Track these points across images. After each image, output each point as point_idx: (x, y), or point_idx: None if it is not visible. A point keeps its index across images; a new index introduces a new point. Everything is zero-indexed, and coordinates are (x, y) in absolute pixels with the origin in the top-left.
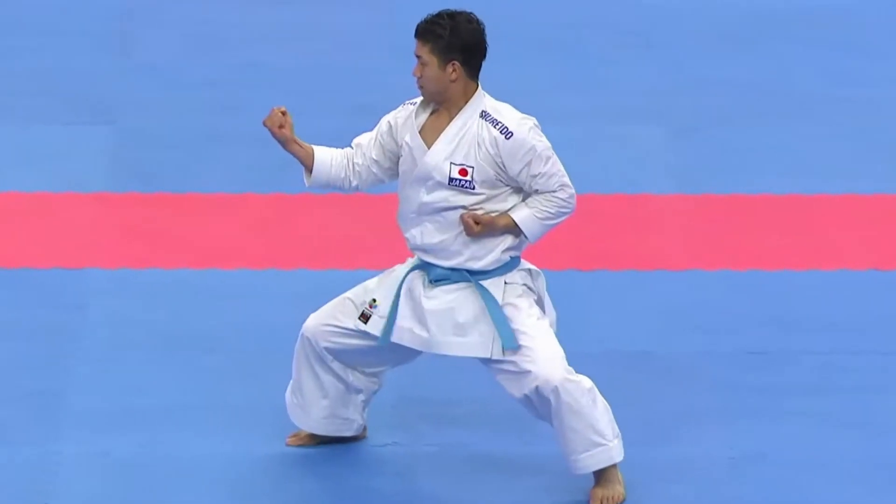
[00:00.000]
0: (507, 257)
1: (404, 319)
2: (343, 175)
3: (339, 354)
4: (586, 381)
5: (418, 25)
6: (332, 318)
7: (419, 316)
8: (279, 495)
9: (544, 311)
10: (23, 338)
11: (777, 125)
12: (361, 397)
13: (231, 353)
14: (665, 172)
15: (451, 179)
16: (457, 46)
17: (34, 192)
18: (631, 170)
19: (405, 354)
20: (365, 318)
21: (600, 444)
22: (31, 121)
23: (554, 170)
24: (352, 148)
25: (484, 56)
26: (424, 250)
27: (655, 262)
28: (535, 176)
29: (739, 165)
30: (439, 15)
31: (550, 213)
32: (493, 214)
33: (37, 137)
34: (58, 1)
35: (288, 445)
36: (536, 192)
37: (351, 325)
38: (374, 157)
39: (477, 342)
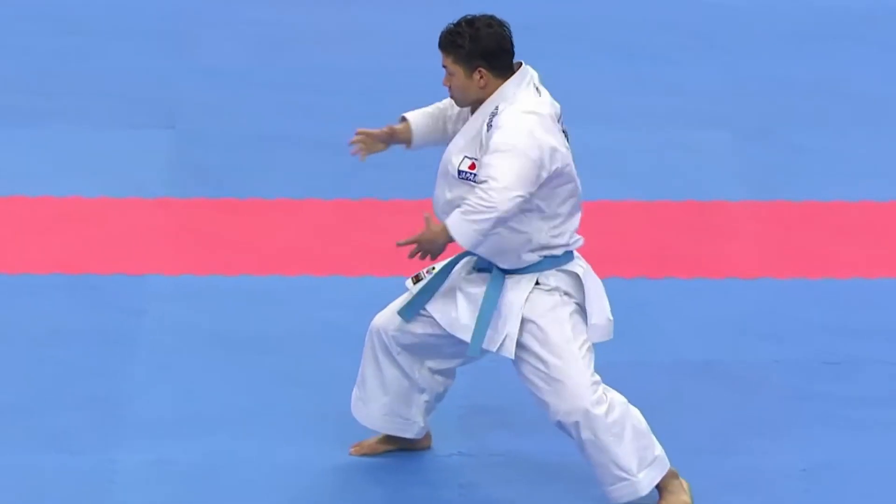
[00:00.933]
0: (536, 257)
1: (444, 296)
2: (439, 135)
3: (405, 343)
4: (614, 411)
5: (440, 37)
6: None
7: (455, 296)
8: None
9: (586, 320)
10: (83, 344)
11: (849, 130)
12: (425, 397)
13: (294, 360)
14: (735, 178)
15: (459, 172)
16: (479, 53)
17: (95, 196)
18: (701, 175)
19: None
20: (417, 279)
21: (623, 479)
22: (92, 124)
23: (496, 163)
24: (440, 103)
25: (511, 54)
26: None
27: (726, 269)
28: (483, 162)
29: (811, 171)
30: (458, 24)
31: (471, 206)
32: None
33: (98, 141)
34: (119, 2)
35: (351, 455)
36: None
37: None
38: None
39: (489, 335)
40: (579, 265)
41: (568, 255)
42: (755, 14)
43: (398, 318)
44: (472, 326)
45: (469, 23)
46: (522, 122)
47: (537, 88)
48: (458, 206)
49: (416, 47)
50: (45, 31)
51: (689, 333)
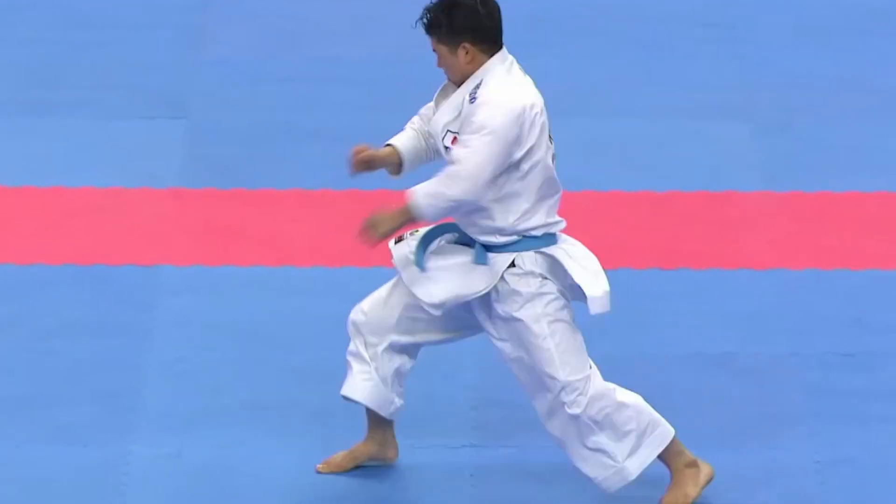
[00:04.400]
0: (511, 238)
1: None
2: (424, 155)
3: (378, 311)
4: (579, 405)
5: (420, 19)
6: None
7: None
8: (354, 498)
9: (570, 302)
10: (95, 336)
11: (865, 121)
12: (393, 376)
13: (307, 352)
14: (750, 169)
15: (446, 148)
16: (460, 29)
17: (108, 187)
18: (716, 167)
19: (447, 321)
20: (400, 240)
21: (611, 467)
22: (105, 115)
23: (472, 145)
24: (417, 117)
25: (497, 25)
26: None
27: (740, 261)
28: (460, 139)
29: (826, 162)
30: (435, 4)
31: (435, 189)
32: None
33: (111, 132)
34: None
35: (318, 471)
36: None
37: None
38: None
39: (465, 283)
40: (560, 248)
41: (548, 238)
42: (773, 6)
43: (371, 298)
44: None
45: (444, 1)
46: (505, 98)
47: (523, 73)
48: None
49: (426, 38)
50: (59, 21)
51: (703, 325)
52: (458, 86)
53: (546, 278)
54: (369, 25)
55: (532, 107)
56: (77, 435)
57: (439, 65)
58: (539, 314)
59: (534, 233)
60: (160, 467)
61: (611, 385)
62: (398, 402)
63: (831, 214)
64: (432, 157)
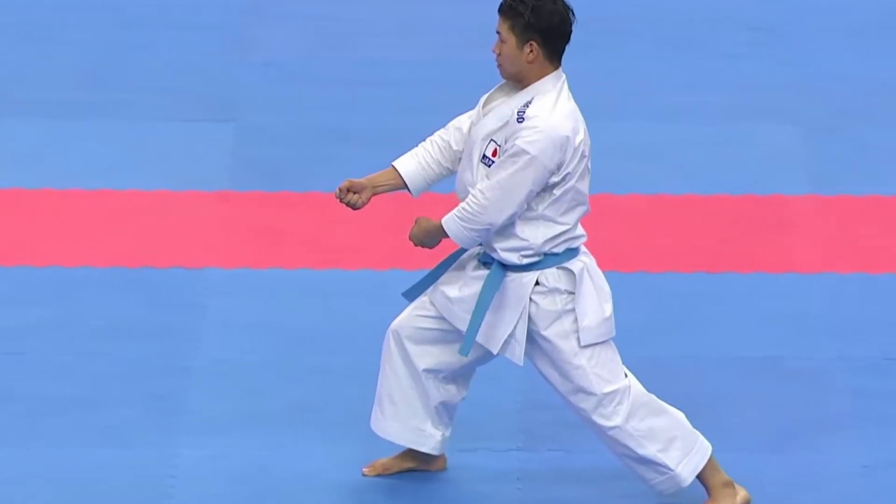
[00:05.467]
0: (536, 258)
1: (444, 283)
2: (438, 171)
3: (418, 339)
4: (619, 415)
5: (502, 1)
6: (414, 305)
7: (459, 282)
8: (398, 500)
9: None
10: (142, 338)
11: None
12: (439, 409)
13: (353, 354)
14: (798, 172)
15: (483, 156)
16: (537, 27)
17: (155, 190)
18: (763, 170)
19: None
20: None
21: (664, 473)
22: (152, 118)
23: (504, 174)
24: (444, 131)
25: (567, 40)
26: None
27: (787, 264)
28: (498, 161)
29: (875, 165)
30: None
31: (468, 212)
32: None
33: (158, 134)
34: None
35: (365, 475)
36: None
37: (426, 300)
38: None
39: (486, 333)
40: (580, 261)
41: (570, 253)
42: (821, 8)
43: (410, 313)
44: (468, 318)
45: None
46: (551, 124)
47: (569, 95)
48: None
49: (473, 40)
50: (105, 24)
51: (749, 329)
52: (505, 79)
53: (571, 293)
54: (415, 28)
55: (576, 135)
56: (123, 436)
57: (496, 49)
58: (567, 331)
59: (556, 250)
60: (206, 469)
61: (649, 394)
62: (438, 437)
63: (879, 218)
64: (447, 175)
